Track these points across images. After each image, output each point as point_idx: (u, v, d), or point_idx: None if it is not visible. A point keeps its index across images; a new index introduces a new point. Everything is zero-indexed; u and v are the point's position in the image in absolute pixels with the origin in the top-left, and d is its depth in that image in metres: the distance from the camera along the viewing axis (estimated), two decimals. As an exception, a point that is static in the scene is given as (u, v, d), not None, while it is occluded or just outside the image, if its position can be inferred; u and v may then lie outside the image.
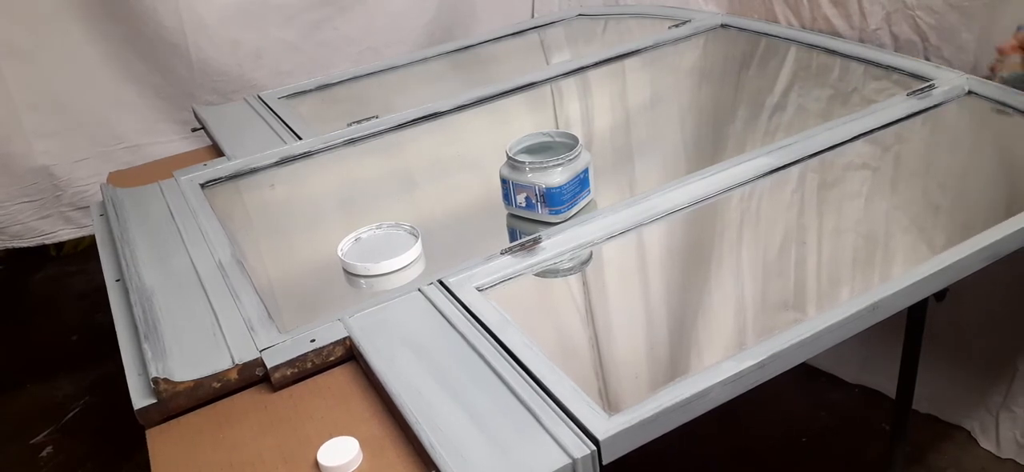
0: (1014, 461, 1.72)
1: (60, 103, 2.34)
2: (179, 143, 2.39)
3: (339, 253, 1.15)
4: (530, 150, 1.23)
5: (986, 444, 1.76)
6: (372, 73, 1.94)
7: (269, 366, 0.93)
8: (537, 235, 1.11)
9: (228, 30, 2.37)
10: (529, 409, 0.82)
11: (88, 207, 2.37)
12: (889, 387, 1.66)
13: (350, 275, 1.13)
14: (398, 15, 2.52)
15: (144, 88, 2.42)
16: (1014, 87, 1.38)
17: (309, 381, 0.95)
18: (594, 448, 0.77)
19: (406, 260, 1.12)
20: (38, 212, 2.45)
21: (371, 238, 1.19)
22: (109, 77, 2.37)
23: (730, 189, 1.22)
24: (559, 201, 1.16)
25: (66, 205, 2.48)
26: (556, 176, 1.15)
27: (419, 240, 1.14)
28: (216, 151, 1.58)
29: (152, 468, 0.86)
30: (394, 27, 2.52)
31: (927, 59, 1.65)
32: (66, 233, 2.54)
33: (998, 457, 1.73)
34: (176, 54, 2.35)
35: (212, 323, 1.02)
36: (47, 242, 2.53)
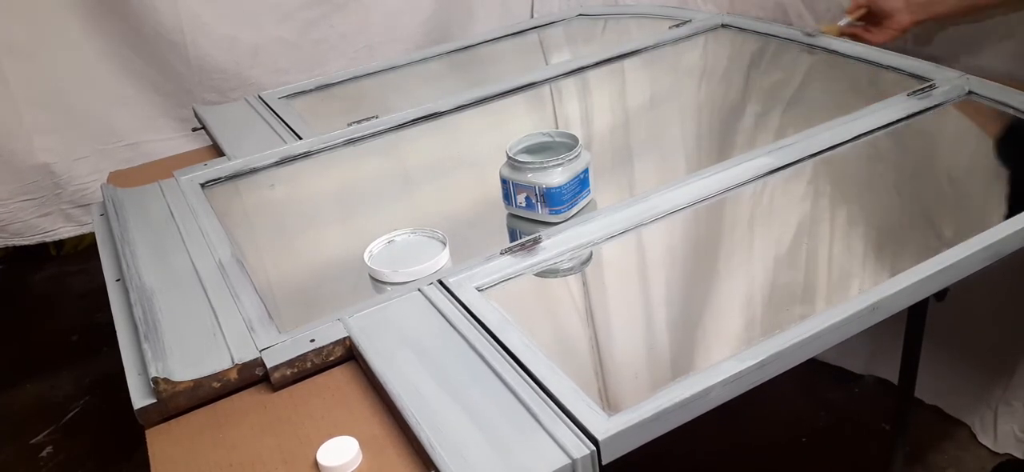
0: (1011, 455, 1.72)
1: (60, 100, 2.34)
2: (178, 140, 2.40)
3: (366, 258, 1.14)
4: (530, 150, 1.23)
5: (985, 440, 1.76)
6: (372, 73, 1.94)
7: (269, 366, 0.93)
8: (537, 235, 1.11)
9: (226, 27, 2.38)
10: (529, 409, 0.82)
11: (88, 205, 2.38)
12: (897, 376, 1.66)
13: (375, 281, 1.12)
14: (394, 13, 2.52)
15: (143, 85, 2.42)
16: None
17: (309, 381, 0.95)
18: (594, 448, 0.77)
19: (433, 267, 1.09)
20: (38, 209, 2.45)
21: (397, 244, 1.18)
22: (108, 74, 2.37)
23: (730, 189, 1.22)
24: (559, 201, 1.16)
25: (66, 203, 2.48)
26: (556, 176, 1.15)
27: (446, 247, 1.12)
28: (216, 151, 1.58)
29: (152, 468, 0.86)
30: (390, 25, 2.53)
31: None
32: (66, 231, 2.54)
33: (996, 453, 1.74)
34: (174, 51, 2.35)
35: (212, 323, 1.02)
36: (47, 240, 2.53)
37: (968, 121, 1.36)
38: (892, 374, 1.86)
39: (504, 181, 1.20)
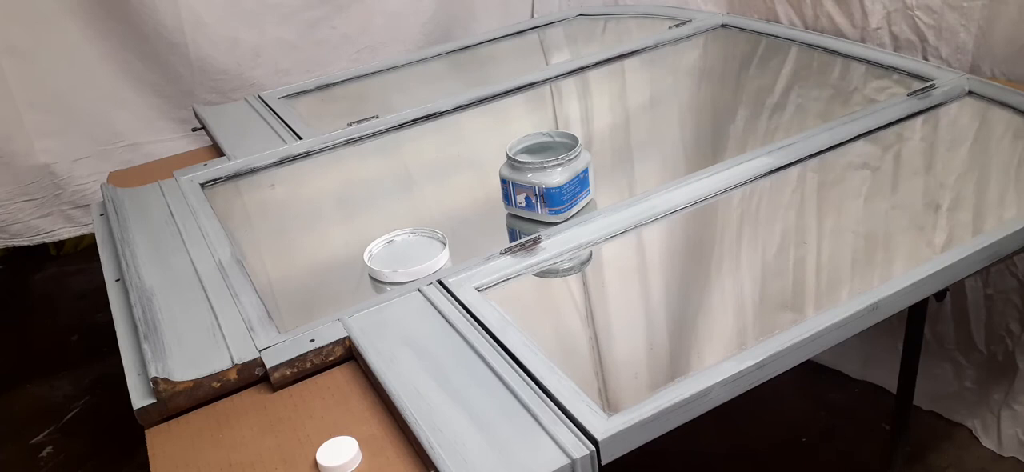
0: (1016, 459, 1.72)
1: (60, 101, 2.34)
2: (178, 141, 2.39)
3: (366, 258, 1.14)
4: (530, 150, 1.23)
5: (987, 442, 1.76)
6: (372, 73, 1.94)
7: (268, 366, 0.93)
8: (537, 235, 1.11)
9: (227, 28, 2.37)
10: (528, 409, 0.82)
11: (88, 205, 2.38)
12: (892, 382, 1.67)
13: (375, 281, 1.12)
14: (396, 14, 2.52)
15: (143, 86, 2.42)
16: None
17: (309, 381, 0.95)
18: (593, 448, 0.77)
19: (433, 267, 1.09)
20: (38, 210, 2.45)
21: (397, 244, 1.18)
22: (108, 75, 2.37)
23: (730, 189, 1.22)
24: (559, 201, 1.16)
25: (66, 203, 2.48)
26: (556, 176, 1.15)
27: (446, 247, 1.12)
28: (216, 151, 1.58)
29: (152, 468, 0.86)
30: (392, 26, 2.52)
31: (925, 59, 1.66)
32: (66, 231, 2.54)
33: (1000, 455, 1.73)
34: (175, 52, 2.35)
35: (212, 323, 1.02)
36: (47, 241, 2.53)
37: (968, 121, 1.36)
38: (887, 380, 1.87)
39: (504, 181, 1.20)
